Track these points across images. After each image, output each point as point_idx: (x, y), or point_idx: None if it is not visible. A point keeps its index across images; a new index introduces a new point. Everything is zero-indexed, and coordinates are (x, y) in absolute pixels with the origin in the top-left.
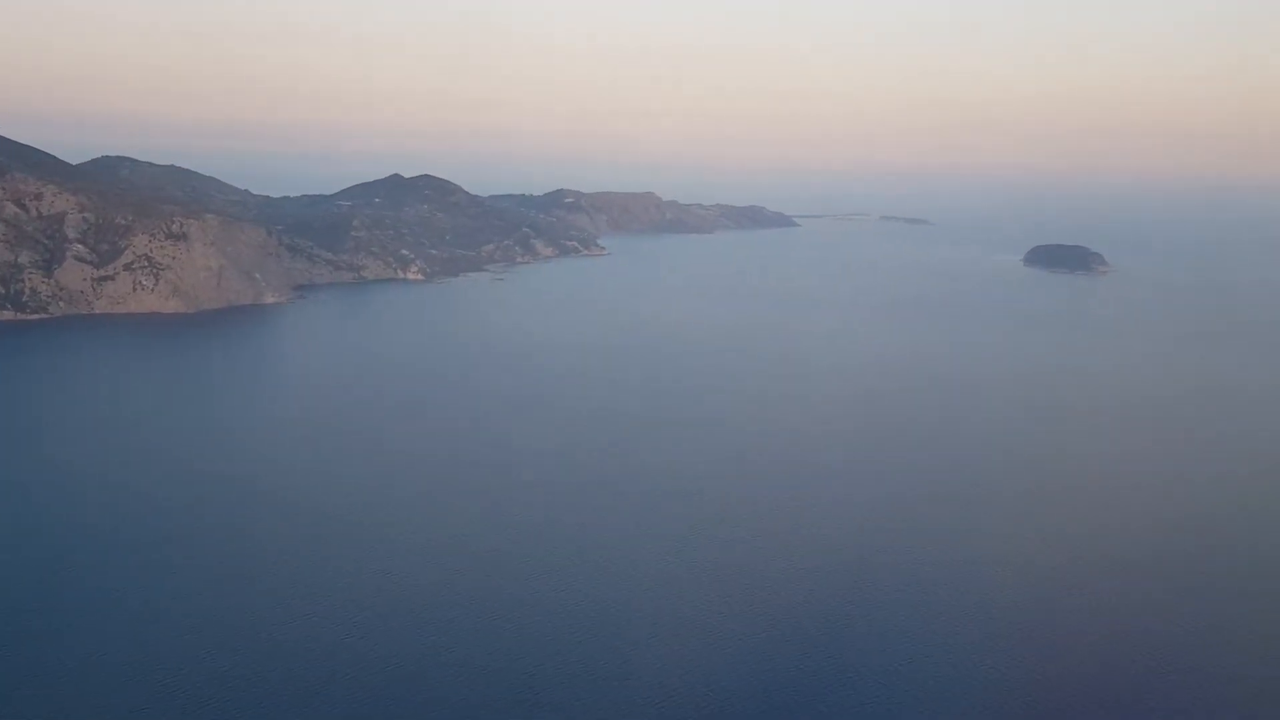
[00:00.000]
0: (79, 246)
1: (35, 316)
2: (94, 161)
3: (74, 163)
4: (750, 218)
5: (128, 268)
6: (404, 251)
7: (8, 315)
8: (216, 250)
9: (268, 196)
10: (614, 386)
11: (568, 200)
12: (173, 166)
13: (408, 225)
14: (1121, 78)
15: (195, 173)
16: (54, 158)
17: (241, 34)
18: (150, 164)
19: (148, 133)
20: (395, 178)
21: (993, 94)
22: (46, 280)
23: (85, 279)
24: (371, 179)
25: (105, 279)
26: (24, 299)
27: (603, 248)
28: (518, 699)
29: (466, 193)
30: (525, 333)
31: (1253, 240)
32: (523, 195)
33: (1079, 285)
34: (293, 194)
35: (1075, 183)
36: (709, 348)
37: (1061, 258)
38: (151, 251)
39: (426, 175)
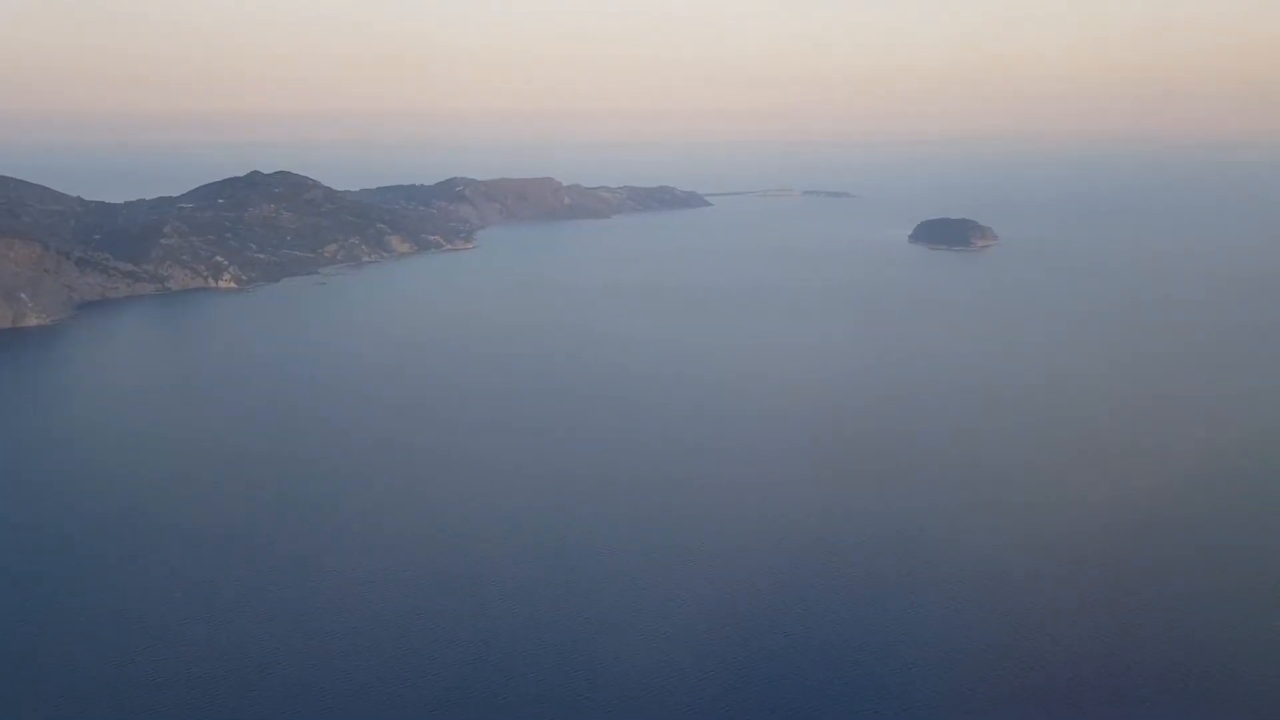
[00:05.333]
0: None
1: None
2: None
3: None
4: (658, 199)
5: None
6: (218, 258)
7: None
8: None
9: (103, 202)
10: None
11: (458, 189)
12: None
13: (244, 227)
14: (1067, 39)
15: (21, 181)
16: None
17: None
18: None
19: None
20: (253, 175)
21: (928, 60)
22: None
23: None
24: (226, 176)
25: None
26: None
27: (470, 242)
28: None
29: (325, 188)
30: (284, 352)
31: (1182, 203)
32: (413, 186)
33: (947, 263)
34: (149, 196)
35: (1012, 148)
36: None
37: (945, 233)
38: None
39: (283, 171)
